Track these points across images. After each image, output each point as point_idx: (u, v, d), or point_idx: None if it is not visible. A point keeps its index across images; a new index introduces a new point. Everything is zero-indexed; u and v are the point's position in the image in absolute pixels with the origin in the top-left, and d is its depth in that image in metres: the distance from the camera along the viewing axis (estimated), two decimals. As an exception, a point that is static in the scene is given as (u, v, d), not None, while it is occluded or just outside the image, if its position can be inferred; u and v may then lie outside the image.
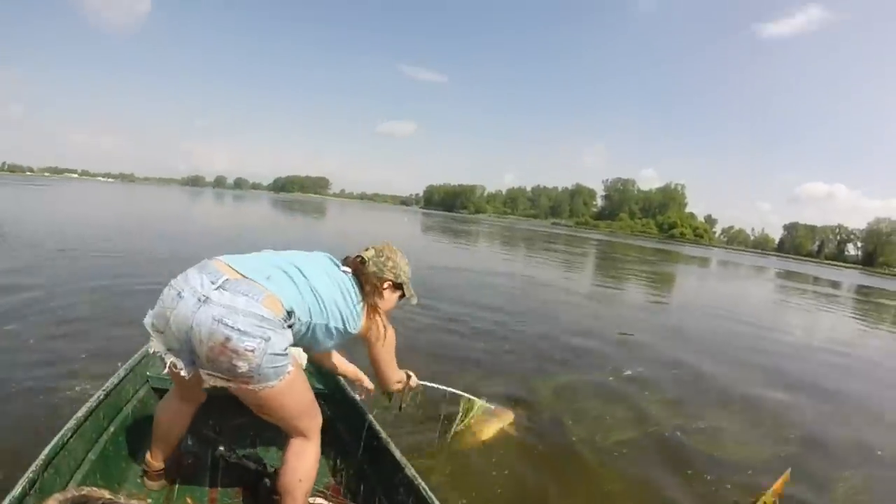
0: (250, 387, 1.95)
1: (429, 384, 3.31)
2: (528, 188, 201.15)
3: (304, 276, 2.19)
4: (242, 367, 1.88)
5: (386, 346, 2.53)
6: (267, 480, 2.53)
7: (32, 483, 1.84)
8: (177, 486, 2.52)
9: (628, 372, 5.92)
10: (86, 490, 1.77)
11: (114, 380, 2.75)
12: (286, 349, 1.99)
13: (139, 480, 2.48)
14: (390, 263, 2.49)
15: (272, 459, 2.75)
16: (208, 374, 1.98)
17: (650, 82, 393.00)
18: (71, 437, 2.18)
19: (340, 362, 2.97)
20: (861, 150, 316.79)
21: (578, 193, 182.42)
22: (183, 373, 1.99)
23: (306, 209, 57.97)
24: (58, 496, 1.68)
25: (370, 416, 2.81)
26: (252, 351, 1.86)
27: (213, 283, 1.95)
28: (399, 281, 2.51)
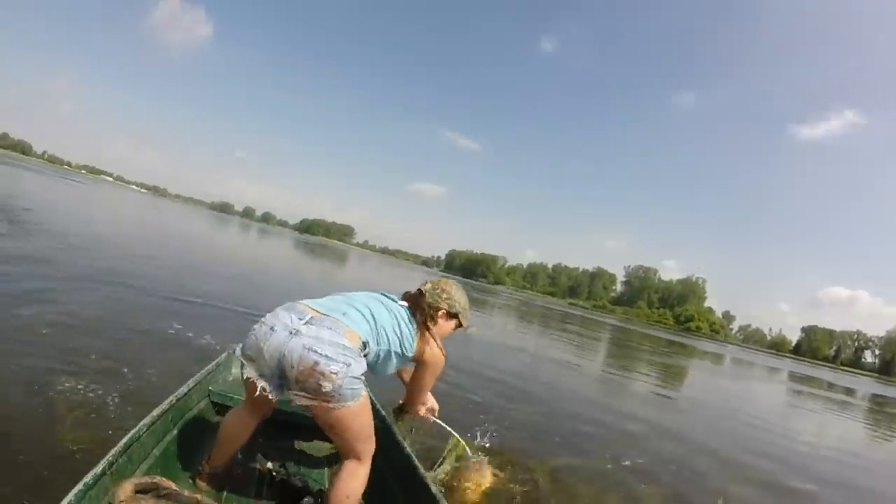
0: (330, 405, 2.30)
1: (437, 420, 3.53)
2: (549, 265, 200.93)
3: (371, 311, 2.63)
4: (327, 386, 2.24)
5: (430, 370, 2.94)
6: (309, 498, 2.77)
7: (111, 464, 2.13)
8: (224, 492, 2.76)
9: (627, 462, 5.82)
10: (157, 479, 2.21)
11: (182, 389, 3.11)
12: (362, 375, 2.36)
13: (191, 480, 2.73)
14: (445, 294, 2.97)
15: (316, 481, 3.08)
16: (295, 395, 2.33)
17: (681, 174, 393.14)
18: (145, 431, 2.49)
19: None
20: (887, 257, 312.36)
21: (599, 276, 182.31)
22: (271, 395, 2.38)
23: (330, 255, 58.08)
24: (134, 480, 2.12)
25: (410, 451, 3.02)
26: (336, 373, 2.24)
27: (300, 319, 2.39)
28: (454, 311, 2.98)
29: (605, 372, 14.96)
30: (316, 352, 2.26)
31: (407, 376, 3.26)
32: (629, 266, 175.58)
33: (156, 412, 2.66)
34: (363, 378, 2.39)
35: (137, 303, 7.38)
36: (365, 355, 2.46)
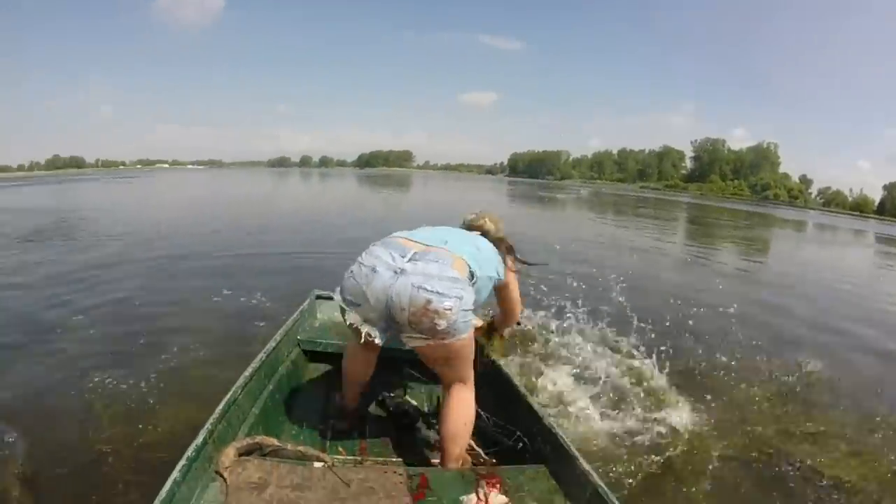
0: (446, 341, 2.20)
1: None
2: (615, 151, 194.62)
3: (470, 239, 2.63)
4: (442, 324, 2.14)
5: (517, 289, 2.96)
6: (421, 426, 2.89)
7: (211, 433, 2.12)
8: (328, 440, 2.74)
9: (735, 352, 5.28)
10: (258, 438, 2.21)
11: (271, 343, 3.06)
12: (473, 305, 2.26)
13: (293, 432, 2.76)
14: (500, 223, 3.04)
15: (422, 407, 3.12)
16: (408, 337, 2.26)
17: (739, 36, 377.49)
18: (240, 393, 2.49)
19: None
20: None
21: (667, 155, 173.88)
22: (377, 341, 2.29)
23: (391, 183, 57.83)
24: (235, 444, 2.11)
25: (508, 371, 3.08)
26: (450, 309, 2.13)
27: (402, 256, 2.27)
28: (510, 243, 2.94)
29: (689, 252, 14.50)
30: (426, 289, 2.14)
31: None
32: (696, 140, 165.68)
33: (248, 370, 2.64)
34: (474, 307, 2.28)
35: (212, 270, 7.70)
36: (473, 283, 2.34)
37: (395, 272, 2.20)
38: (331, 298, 3.90)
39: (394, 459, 2.63)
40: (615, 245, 14.13)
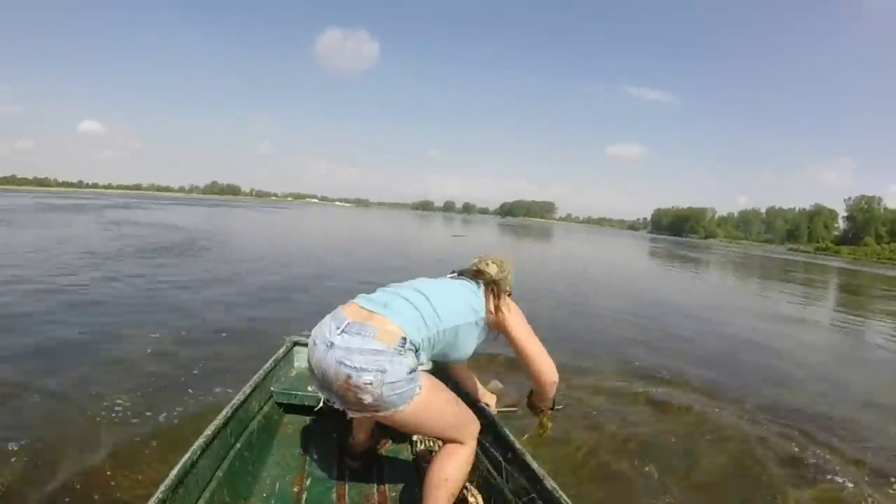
0: (381, 414, 2.16)
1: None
2: (763, 210, 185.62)
3: (421, 292, 2.41)
4: (367, 399, 2.10)
5: (525, 324, 2.55)
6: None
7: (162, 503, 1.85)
8: (304, 499, 2.62)
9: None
10: None
11: (240, 396, 2.82)
12: (409, 372, 2.14)
13: (264, 495, 2.59)
14: (506, 265, 2.72)
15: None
16: (347, 408, 2.24)
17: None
18: (200, 455, 2.21)
19: (475, 389, 3.09)
20: None
21: (818, 215, 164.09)
22: (337, 406, 2.27)
23: (531, 234, 58.46)
24: None
25: (504, 429, 2.72)
26: (370, 384, 2.07)
27: (337, 328, 2.20)
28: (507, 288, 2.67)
29: (846, 327, 13.07)
30: (346, 365, 2.10)
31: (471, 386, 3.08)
32: (850, 198, 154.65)
33: (210, 429, 2.37)
34: (412, 376, 2.16)
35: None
36: (407, 349, 2.17)
37: (327, 346, 2.18)
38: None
39: None
40: (767, 316, 13.33)
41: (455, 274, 2.73)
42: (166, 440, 3.70)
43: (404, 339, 2.17)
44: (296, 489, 2.67)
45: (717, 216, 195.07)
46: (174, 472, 1.97)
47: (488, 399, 3.12)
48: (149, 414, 4.11)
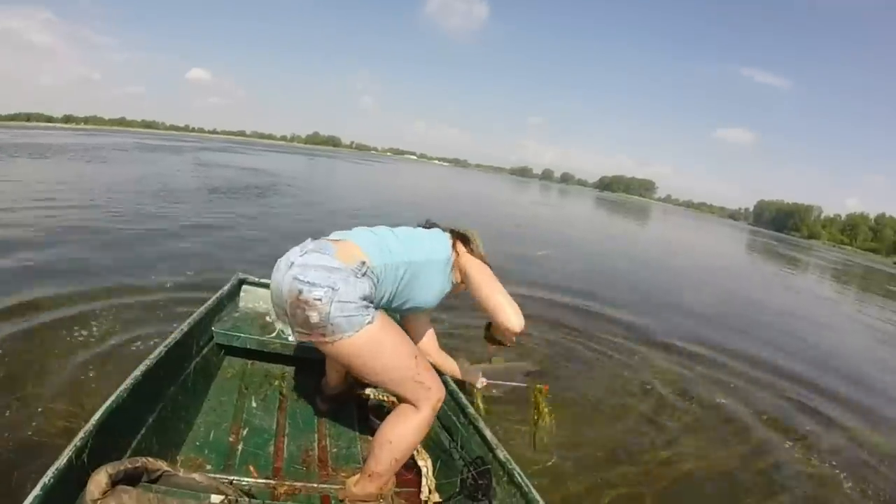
0: (326, 339, 2.04)
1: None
2: (872, 216, 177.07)
3: (390, 229, 2.42)
4: (314, 317, 2.01)
5: (488, 272, 2.42)
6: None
7: (80, 451, 1.70)
8: (237, 461, 2.39)
9: None
10: (140, 462, 1.80)
11: (176, 335, 2.65)
12: (362, 298, 2.06)
13: (197, 443, 2.43)
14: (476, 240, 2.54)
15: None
16: (296, 332, 2.15)
17: None
18: (126, 398, 2.03)
19: (437, 351, 2.87)
20: None
21: None
22: (290, 337, 2.36)
23: (628, 212, 56.34)
24: (108, 468, 1.65)
25: (465, 399, 2.71)
26: (319, 299, 1.99)
27: (301, 250, 2.18)
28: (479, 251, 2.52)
29: None
30: (299, 279, 2.04)
31: (437, 356, 2.84)
32: None
33: (139, 370, 2.20)
34: (365, 302, 2.07)
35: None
36: (364, 273, 2.10)
37: (287, 266, 2.13)
38: (258, 285, 3.66)
39: (312, 485, 2.32)
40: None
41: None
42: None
43: (364, 262, 2.12)
44: (231, 439, 2.51)
45: (822, 216, 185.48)
46: (96, 415, 1.84)
47: (471, 377, 2.96)
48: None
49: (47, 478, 1.54)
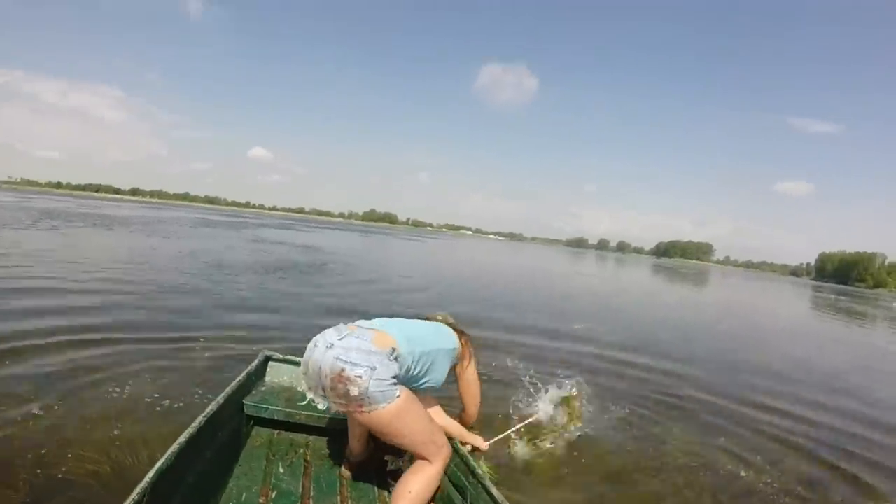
0: (363, 409, 2.47)
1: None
2: None
3: (408, 321, 3.03)
4: (353, 391, 2.44)
5: (475, 382, 3.42)
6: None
7: None
8: (272, 497, 2.79)
9: None
10: None
11: (213, 406, 2.95)
12: (393, 377, 2.53)
13: None
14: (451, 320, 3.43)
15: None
16: (333, 402, 2.58)
17: None
18: (173, 461, 2.32)
19: (444, 418, 3.28)
20: None
21: None
22: (321, 405, 2.65)
23: (682, 278, 54.67)
24: None
25: (474, 462, 2.93)
26: (360, 377, 2.43)
27: (338, 335, 2.62)
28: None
29: None
30: (342, 360, 2.47)
31: (448, 424, 3.26)
32: None
33: (183, 437, 2.52)
34: (395, 380, 2.54)
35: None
36: (395, 358, 2.59)
37: (327, 346, 2.56)
38: (282, 361, 3.99)
39: None
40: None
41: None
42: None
43: (394, 349, 2.61)
44: (261, 501, 2.75)
45: (887, 262, 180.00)
46: (149, 475, 2.09)
47: (469, 439, 3.42)
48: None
49: None
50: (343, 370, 2.45)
